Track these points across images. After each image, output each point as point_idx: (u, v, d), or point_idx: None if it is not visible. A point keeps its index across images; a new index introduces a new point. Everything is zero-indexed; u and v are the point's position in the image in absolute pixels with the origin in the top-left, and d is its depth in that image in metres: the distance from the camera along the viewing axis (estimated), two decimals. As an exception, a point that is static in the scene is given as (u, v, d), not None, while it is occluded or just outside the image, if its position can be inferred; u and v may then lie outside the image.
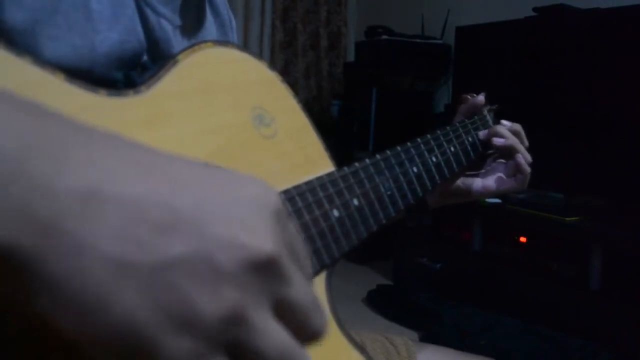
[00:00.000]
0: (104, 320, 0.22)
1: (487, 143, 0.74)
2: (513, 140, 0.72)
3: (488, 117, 0.78)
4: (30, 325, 0.28)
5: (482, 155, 0.75)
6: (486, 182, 0.74)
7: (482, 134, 0.73)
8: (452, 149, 0.68)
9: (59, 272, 0.21)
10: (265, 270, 0.25)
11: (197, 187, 0.25)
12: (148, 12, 0.45)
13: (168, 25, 0.47)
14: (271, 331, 0.25)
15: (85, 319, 0.22)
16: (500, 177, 0.74)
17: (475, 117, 0.76)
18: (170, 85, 0.38)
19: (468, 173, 0.75)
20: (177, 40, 0.49)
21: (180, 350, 0.23)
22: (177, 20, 0.49)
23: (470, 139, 0.72)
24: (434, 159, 0.64)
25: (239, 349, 0.24)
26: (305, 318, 0.27)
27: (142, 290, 0.22)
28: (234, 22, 0.63)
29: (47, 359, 0.30)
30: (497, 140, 0.72)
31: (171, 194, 0.24)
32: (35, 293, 0.22)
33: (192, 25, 0.52)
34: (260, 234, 0.25)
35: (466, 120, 0.74)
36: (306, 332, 0.27)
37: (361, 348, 0.45)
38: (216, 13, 0.59)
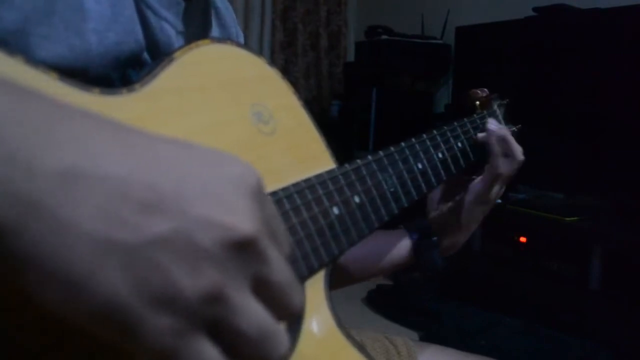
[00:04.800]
0: (89, 298, 0.22)
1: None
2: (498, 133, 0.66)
3: (498, 112, 0.75)
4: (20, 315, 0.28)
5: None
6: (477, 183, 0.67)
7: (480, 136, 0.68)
8: (460, 144, 0.66)
9: (44, 251, 0.22)
10: (244, 250, 0.25)
11: (179, 165, 0.25)
12: (149, 14, 0.45)
13: (171, 30, 0.47)
14: (250, 310, 0.26)
15: (70, 296, 0.22)
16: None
17: (485, 112, 0.73)
18: (165, 82, 0.38)
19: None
20: (180, 45, 0.48)
21: (161, 327, 0.23)
22: (180, 26, 0.48)
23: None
24: (440, 155, 0.62)
25: (219, 327, 0.25)
26: (283, 296, 0.28)
27: (125, 268, 0.23)
28: (242, 38, 0.62)
29: None
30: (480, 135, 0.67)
31: (153, 173, 0.24)
32: (21, 270, 0.22)
33: (196, 33, 0.51)
34: (239, 214, 0.25)
35: (475, 115, 0.71)
36: (284, 310, 0.28)
37: (361, 347, 0.45)
38: (223, 26, 0.58)
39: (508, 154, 0.65)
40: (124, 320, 0.23)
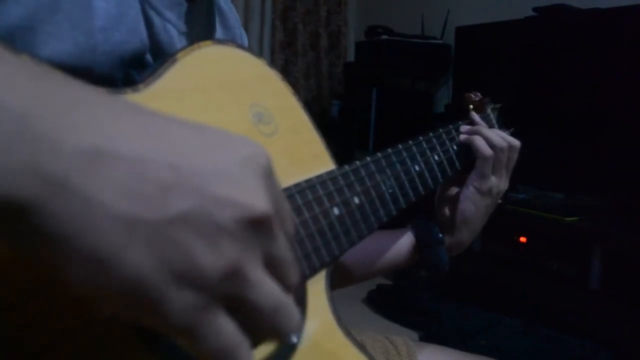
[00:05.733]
0: (114, 275, 0.23)
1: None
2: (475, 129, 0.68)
3: (492, 116, 0.76)
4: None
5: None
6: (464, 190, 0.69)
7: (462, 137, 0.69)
8: (455, 147, 0.67)
9: (71, 229, 0.22)
10: (259, 227, 0.26)
11: (195, 147, 0.26)
12: (152, 14, 0.45)
13: (174, 30, 0.47)
14: (265, 284, 0.27)
15: (95, 273, 0.23)
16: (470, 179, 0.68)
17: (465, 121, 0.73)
18: (168, 83, 0.38)
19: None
20: (182, 46, 0.48)
21: (183, 302, 0.24)
22: (182, 27, 0.49)
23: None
24: (436, 157, 0.63)
25: (237, 301, 0.26)
26: (287, 272, 0.29)
27: (148, 245, 0.23)
28: (246, 40, 0.63)
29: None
30: (461, 137, 0.69)
31: (170, 154, 0.25)
32: (48, 248, 0.22)
33: (200, 34, 0.52)
34: (254, 193, 0.26)
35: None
36: (285, 284, 0.29)
37: (361, 346, 0.45)
38: (227, 27, 0.59)
39: (488, 142, 0.67)
40: (147, 296, 0.23)
